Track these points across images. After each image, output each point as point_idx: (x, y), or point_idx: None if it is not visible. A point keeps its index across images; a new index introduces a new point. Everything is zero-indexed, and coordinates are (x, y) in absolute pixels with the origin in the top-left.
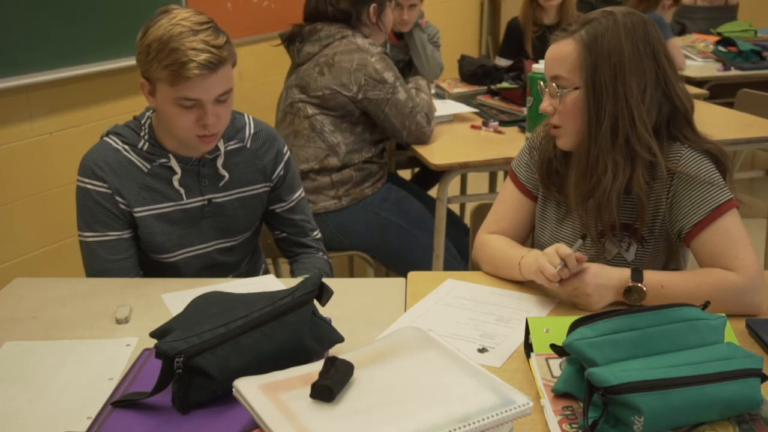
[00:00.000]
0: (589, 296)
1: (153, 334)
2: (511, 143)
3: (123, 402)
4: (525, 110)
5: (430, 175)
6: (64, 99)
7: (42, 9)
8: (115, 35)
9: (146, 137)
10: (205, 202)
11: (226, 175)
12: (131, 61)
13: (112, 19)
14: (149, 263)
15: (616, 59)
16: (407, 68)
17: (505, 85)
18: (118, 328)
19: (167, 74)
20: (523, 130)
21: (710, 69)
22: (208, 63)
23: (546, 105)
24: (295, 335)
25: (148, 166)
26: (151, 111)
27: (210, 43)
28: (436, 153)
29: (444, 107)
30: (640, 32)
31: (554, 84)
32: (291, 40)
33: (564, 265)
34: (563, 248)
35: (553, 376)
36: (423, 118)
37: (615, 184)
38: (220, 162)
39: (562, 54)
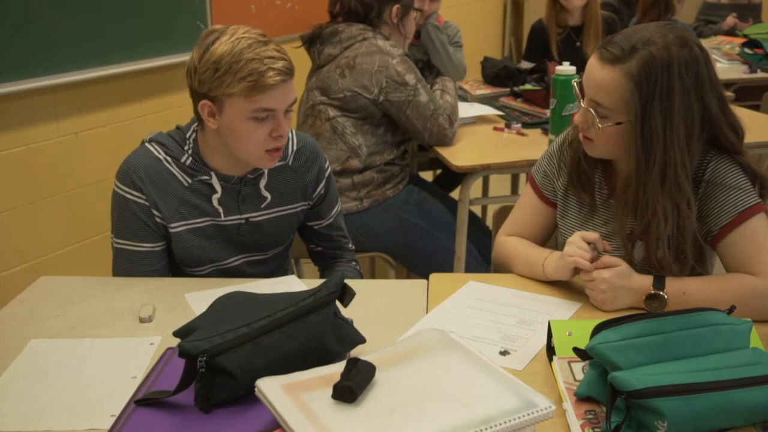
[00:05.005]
0: (603, 293)
1: (176, 333)
2: (534, 145)
3: (146, 400)
4: (548, 112)
5: (452, 176)
6: (89, 99)
7: (68, 10)
8: (141, 36)
9: (190, 152)
10: (243, 221)
11: (269, 196)
12: (157, 62)
13: (138, 20)
14: (178, 274)
15: (666, 104)
16: (427, 68)
17: (527, 86)
18: (141, 326)
19: (244, 86)
20: (546, 132)
21: (736, 71)
22: (285, 69)
23: (581, 120)
24: (317, 336)
25: (189, 181)
26: (197, 125)
27: (281, 51)
28: (458, 155)
29: (467, 109)
30: (693, 72)
31: (593, 110)
32: (312, 41)
33: (594, 248)
34: (588, 234)
35: (575, 380)
36: (445, 120)
37: (666, 230)
38: (262, 183)
39: (606, 83)
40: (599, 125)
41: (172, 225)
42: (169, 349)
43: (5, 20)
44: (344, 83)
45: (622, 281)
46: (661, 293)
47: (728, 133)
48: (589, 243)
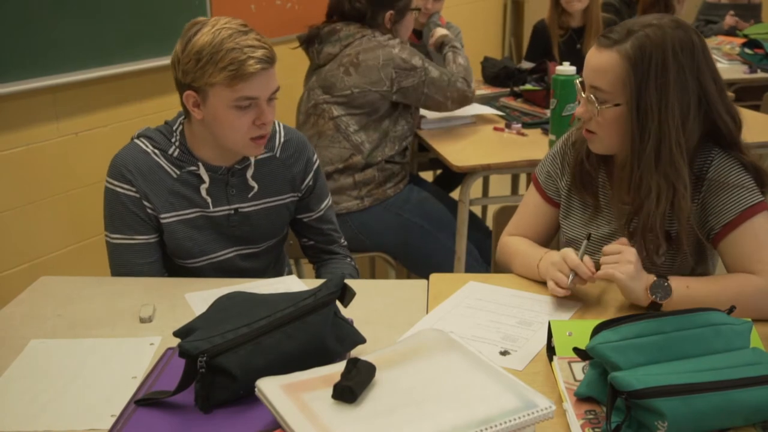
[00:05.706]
0: (630, 263)
1: (176, 334)
2: (534, 145)
3: (146, 400)
4: (548, 112)
5: (452, 177)
6: (90, 99)
7: (68, 10)
8: (142, 36)
9: (177, 143)
10: (232, 211)
11: (256, 186)
12: (157, 62)
13: (139, 20)
14: (173, 267)
15: (661, 80)
16: None
17: (528, 86)
18: (141, 327)
19: (225, 76)
20: (546, 132)
21: (736, 71)
22: (266, 58)
23: (582, 111)
24: (317, 336)
25: (178, 172)
26: (183, 117)
27: (261, 40)
28: (458, 155)
29: (467, 109)
30: (688, 51)
31: (593, 95)
32: (310, 41)
33: (575, 275)
34: (571, 258)
35: (575, 380)
36: (462, 84)
37: (659, 209)
38: (249, 173)
39: (604, 66)
40: (598, 108)
41: (163, 216)
42: (169, 349)
43: (5, 20)
44: (350, 81)
45: (640, 263)
46: (665, 280)
47: (726, 119)
48: (572, 269)
